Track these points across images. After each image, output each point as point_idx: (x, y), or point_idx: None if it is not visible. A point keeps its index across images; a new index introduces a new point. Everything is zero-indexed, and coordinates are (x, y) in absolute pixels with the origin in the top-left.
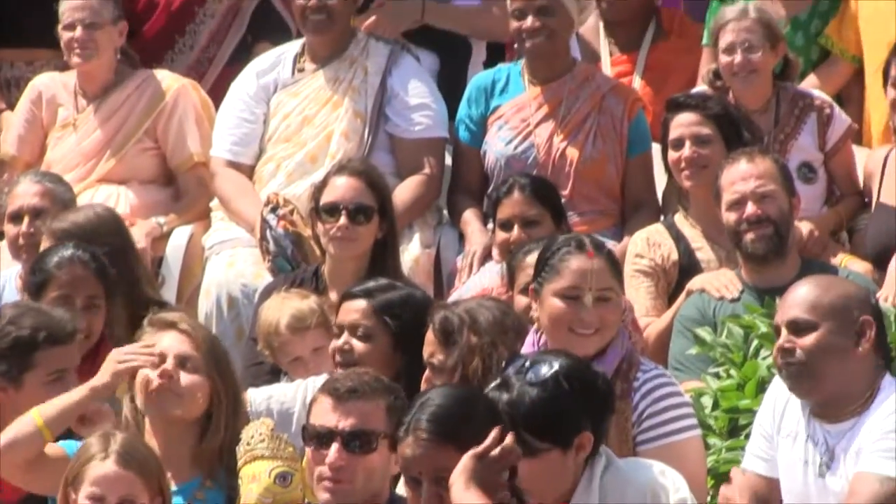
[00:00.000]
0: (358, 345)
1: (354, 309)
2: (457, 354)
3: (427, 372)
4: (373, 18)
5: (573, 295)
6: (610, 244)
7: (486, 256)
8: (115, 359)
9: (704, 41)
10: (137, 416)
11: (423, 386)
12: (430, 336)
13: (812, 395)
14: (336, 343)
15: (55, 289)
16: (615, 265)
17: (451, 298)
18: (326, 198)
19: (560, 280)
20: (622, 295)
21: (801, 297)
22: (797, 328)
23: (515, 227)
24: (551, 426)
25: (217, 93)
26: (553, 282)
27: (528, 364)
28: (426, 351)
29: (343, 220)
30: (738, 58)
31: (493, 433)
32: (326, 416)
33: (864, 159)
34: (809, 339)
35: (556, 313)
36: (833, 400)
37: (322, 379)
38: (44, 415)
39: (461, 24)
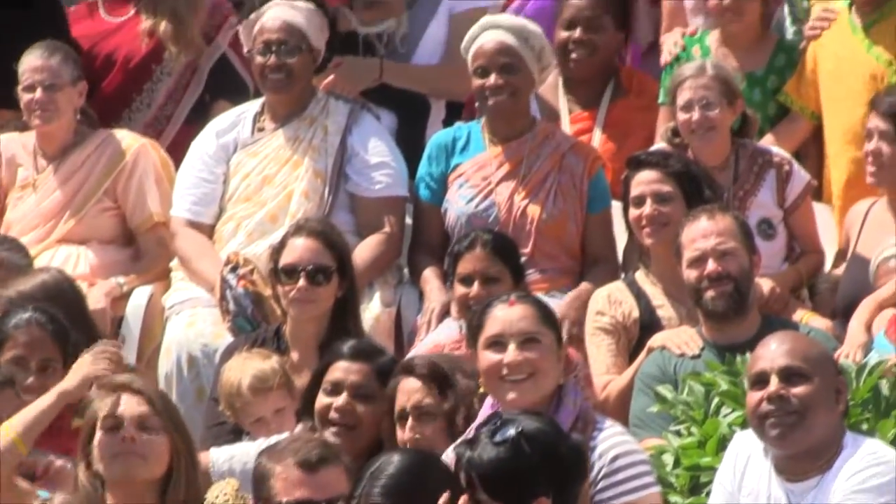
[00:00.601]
0: (360, 407)
1: (357, 370)
2: (453, 397)
3: (411, 421)
4: (331, 77)
5: (498, 342)
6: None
7: (446, 314)
8: (83, 363)
9: (660, 100)
10: (94, 480)
11: (407, 435)
12: (410, 384)
13: (798, 446)
14: (333, 402)
15: (11, 349)
16: (544, 312)
17: (409, 356)
18: (285, 259)
19: (485, 331)
20: (558, 344)
21: (790, 347)
22: (790, 376)
23: (476, 283)
24: (506, 487)
25: (175, 151)
26: (481, 335)
27: (499, 422)
28: (408, 400)
29: (302, 281)
30: (696, 115)
31: (443, 499)
32: (299, 489)
33: (824, 215)
34: (805, 389)
35: (485, 365)
36: (807, 454)
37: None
38: (15, 428)
39: (420, 83)
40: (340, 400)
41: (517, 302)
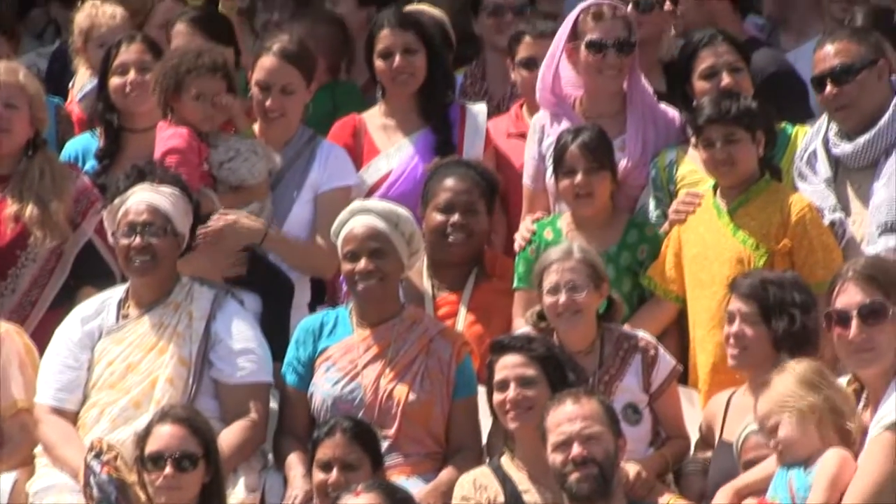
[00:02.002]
0: None
1: None
2: None
3: None
4: (217, 217)
5: None
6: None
7: (309, 500)
8: None
9: (515, 284)
10: None
11: None
12: None
13: None
14: None
15: None
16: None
17: None
18: (151, 447)
19: None
20: None
21: None
22: None
23: (335, 470)
24: None
25: (40, 336)
26: None
27: None
28: None
29: (168, 469)
30: (562, 298)
31: None
32: None
33: (690, 399)
34: None
35: None
36: None
37: None
38: None
39: (293, 256)
40: None
41: (363, 492)
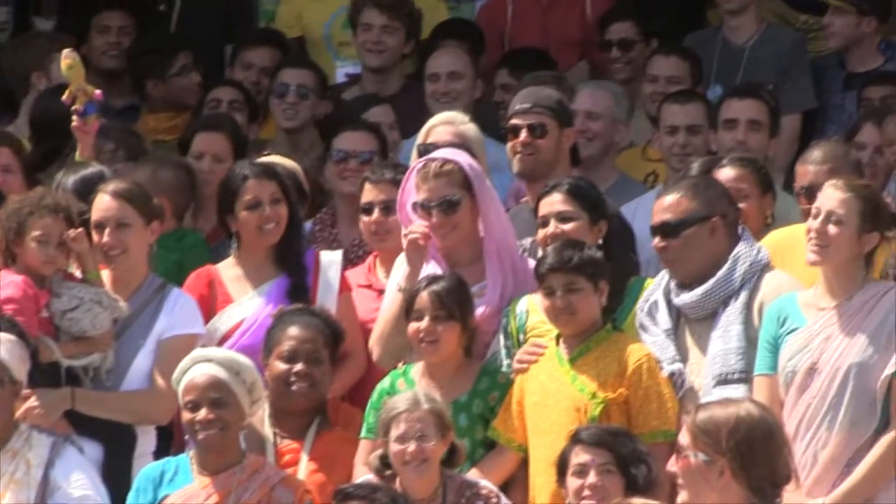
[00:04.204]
0: None
1: None
2: None
3: None
4: (24, 408)
5: None
6: None
7: None
8: None
9: (364, 434)
10: None
11: None
12: None
13: None
14: None
15: None
16: None
17: None
18: None
19: None
20: None
21: None
22: None
23: None
24: None
25: None
26: None
27: None
28: None
29: None
30: (411, 447)
31: None
32: None
33: None
34: None
35: None
36: None
37: None
38: None
39: (118, 411)
40: None
41: None
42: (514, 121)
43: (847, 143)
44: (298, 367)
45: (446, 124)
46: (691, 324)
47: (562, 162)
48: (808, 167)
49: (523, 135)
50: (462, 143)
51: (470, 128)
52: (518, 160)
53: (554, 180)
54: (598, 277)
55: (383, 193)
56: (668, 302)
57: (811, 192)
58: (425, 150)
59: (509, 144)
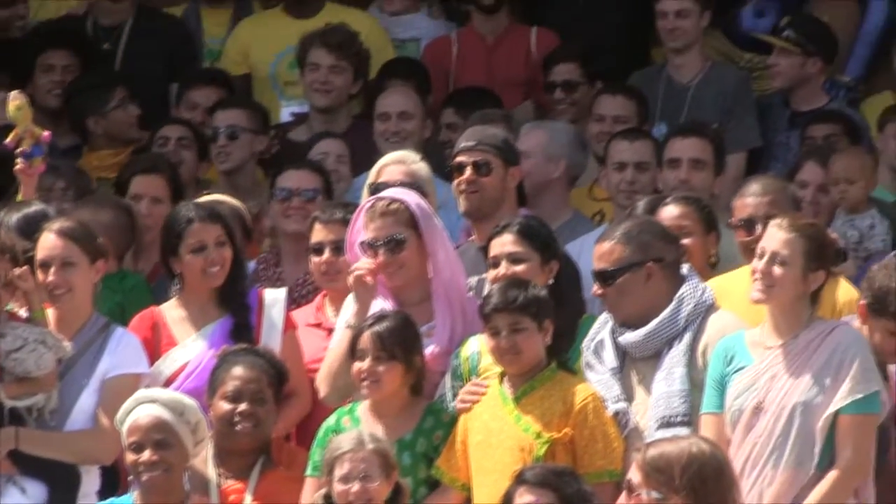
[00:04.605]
0: None
1: None
2: None
3: None
4: None
5: None
6: None
7: None
8: None
9: (309, 472)
10: None
11: None
12: None
13: None
14: None
15: None
16: None
17: None
18: None
19: None
20: None
21: None
22: None
23: None
24: None
25: None
26: None
27: None
28: None
29: None
30: (355, 487)
31: None
32: None
33: None
34: None
35: None
36: None
37: None
38: None
39: (61, 451)
40: None
41: None
42: (459, 158)
43: (786, 180)
44: (242, 406)
45: (398, 163)
46: (636, 363)
47: (508, 201)
48: (748, 200)
49: (468, 172)
50: (413, 182)
51: (421, 167)
52: (463, 199)
53: (505, 220)
54: (543, 317)
55: (333, 234)
56: (614, 341)
57: (751, 225)
58: (376, 189)
59: (454, 182)
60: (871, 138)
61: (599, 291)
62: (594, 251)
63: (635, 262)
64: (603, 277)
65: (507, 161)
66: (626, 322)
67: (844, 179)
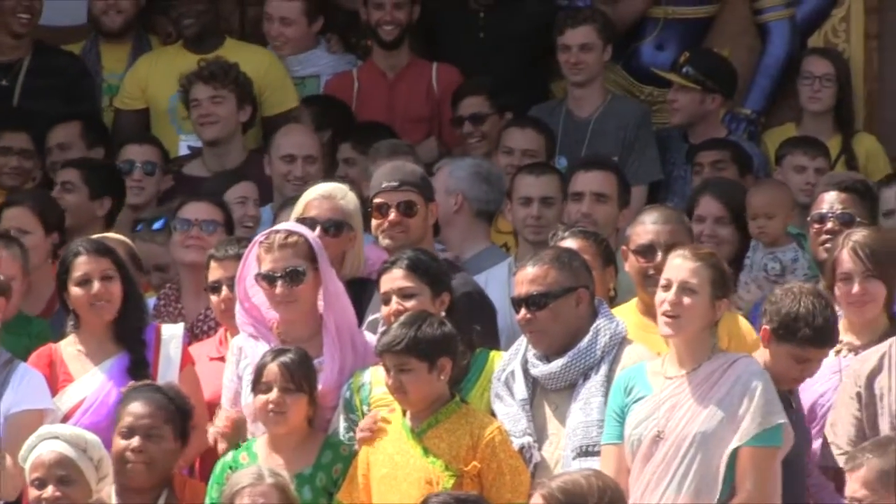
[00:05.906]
0: None
1: None
2: None
3: None
4: None
5: None
6: None
7: None
8: None
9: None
10: None
11: None
12: None
13: None
14: None
15: None
16: None
17: None
18: None
19: None
20: None
21: None
22: None
23: None
24: None
25: None
26: None
27: None
28: None
29: None
30: None
31: None
32: None
33: None
34: None
35: None
36: None
37: None
38: None
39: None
40: None
41: None
42: (382, 199)
43: (685, 215)
44: (134, 442)
45: (325, 199)
46: (548, 394)
47: (427, 236)
48: (648, 227)
49: (392, 214)
50: (343, 218)
51: (349, 201)
52: (388, 238)
53: (393, 256)
54: (437, 355)
55: (229, 271)
56: (525, 372)
57: (652, 251)
58: (304, 224)
59: (375, 223)
60: (768, 171)
61: (529, 316)
62: (520, 276)
63: (569, 286)
64: (535, 301)
65: (426, 198)
66: (548, 351)
67: (764, 214)
